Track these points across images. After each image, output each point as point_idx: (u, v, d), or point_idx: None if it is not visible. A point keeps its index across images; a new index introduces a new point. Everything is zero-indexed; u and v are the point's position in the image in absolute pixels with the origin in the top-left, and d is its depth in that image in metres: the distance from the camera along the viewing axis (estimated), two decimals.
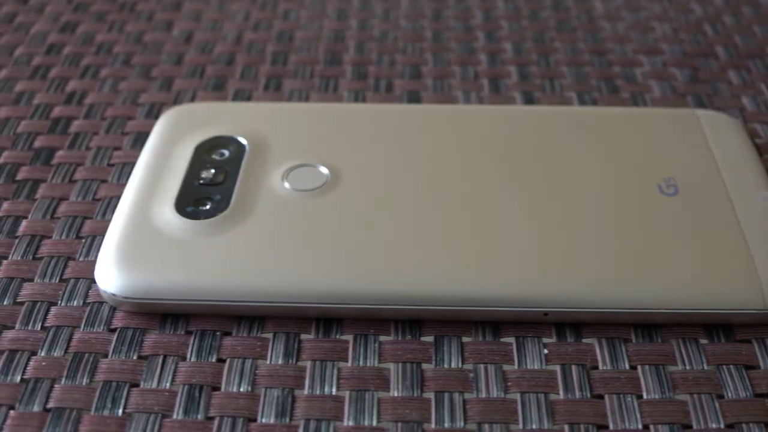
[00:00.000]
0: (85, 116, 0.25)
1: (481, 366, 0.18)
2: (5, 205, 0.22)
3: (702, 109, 0.23)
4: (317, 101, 0.25)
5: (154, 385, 0.17)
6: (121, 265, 0.18)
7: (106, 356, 0.18)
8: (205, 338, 0.18)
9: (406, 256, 0.18)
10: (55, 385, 0.17)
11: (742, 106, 0.25)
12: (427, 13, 0.29)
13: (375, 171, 0.21)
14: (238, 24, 0.29)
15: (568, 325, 0.18)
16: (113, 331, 0.18)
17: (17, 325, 0.19)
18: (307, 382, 0.17)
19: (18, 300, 0.19)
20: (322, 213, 0.20)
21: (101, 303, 0.19)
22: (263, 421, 0.17)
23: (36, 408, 0.17)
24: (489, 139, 0.22)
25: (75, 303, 0.19)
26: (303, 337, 0.18)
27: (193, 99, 0.25)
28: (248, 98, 0.25)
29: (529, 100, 0.25)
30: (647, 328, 0.18)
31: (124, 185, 0.22)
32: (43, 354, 0.18)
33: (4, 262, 0.20)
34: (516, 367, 0.18)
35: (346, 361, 0.18)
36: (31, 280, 0.20)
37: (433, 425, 0.17)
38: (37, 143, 0.24)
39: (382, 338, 0.18)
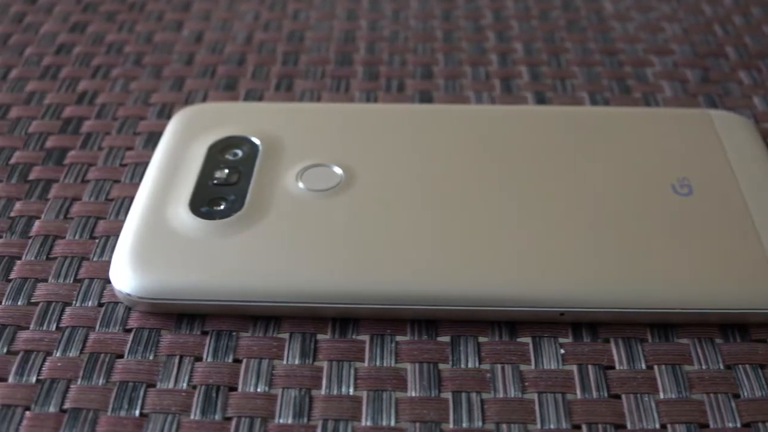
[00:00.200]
0: (97, 116, 0.25)
1: (498, 366, 0.18)
2: (18, 205, 0.22)
3: (714, 109, 0.23)
4: (329, 101, 0.25)
5: (171, 386, 0.17)
6: (136, 265, 0.18)
7: (121, 356, 0.18)
8: (221, 338, 0.18)
9: (422, 256, 0.18)
10: (71, 386, 0.17)
11: (753, 106, 0.25)
12: (436, 14, 0.29)
13: (389, 171, 0.21)
14: (248, 24, 0.29)
15: (584, 325, 0.18)
16: (129, 331, 0.18)
17: (32, 326, 0.19)
18: (324, 382, 0.17)
19: (32, 300, 0.19)
20: (337, 213, 0.20)
21: (116, 303, 0.19)
22: (281, 421, 0.17)
23: (52, 409, 0.17)
24: (502, 139, 0.22)
25: (90, 303, 0.19)
26: (319, 337, 0.18)
27: (204, 99, 0.25)
28: (260, 98, 0.25)
29: (541, 100, 0.25)
30: (663, 328, 0.18)
31: (137, 185, 0.22)
32: (58, 354, 0.18)
33: (18, 262, 0.20)
34: (533, 367, 0.18)
35: (363, 361, 0.18)
36: (45, 280, 0.20)
37: (451, 425, 0.17)
38: (49, 143, 0.24)
39: (398, 338, 0.18)
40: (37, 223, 0.21)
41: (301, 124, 0.22)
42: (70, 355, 0.18)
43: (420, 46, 0.28)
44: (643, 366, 0.18)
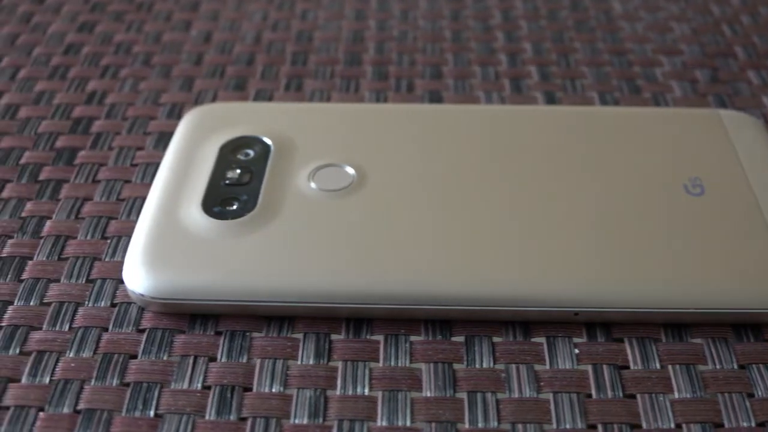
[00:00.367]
0: (107, 116, 0.25)
1: (513, 366, 0.18)
2: (29, 205, 0.22)
3: (724, 109, 0.23)
4: (338, 101, 0.25)
5: (185, 386, 0.17)
6: (149, 265, 0.18)
7: (135, 357, 0.18)
8: (235, 339, 0.18)
9: (436, 255, 0.18)
10: (85, 387, 0.17)
11: (762, 106, 0.25)
12: (445, 14, 0.29)
13: (401, 171, 0.21)
14: (256, 24, 0.29)
15: (598, 325, 0.18)
16: (142, 331, 0.18)
17: (44, 326, 0.19)
18: (339, 383, 0.17)
19: (45, 301, 0.19)
20: (350, 213, 0.19)
21: (129, 303, 0.19)
22: (296, 421, 0.17)
23: (66, 409, 0.17)
24: (514, 139, 0.22)
25: (102, 304, 0.19)
26: (333, 337, 0.18)
27: (214, 99, 0.25)
28: (269, 98, 0.25)
29: (551, 100, 0.25)
30: (676, 328, 0.18)
31: (148, 185, 0.22)
32: (71, 355, 0.18)
33: (30, 262, 0.20)
34: (547, 367, 0.18)
35: (377, 361, 0.18)
36: (58, 280, 0.20)
37: (466, 425, 0.17)
38: (59, 143, 0.24)
39: (412, 338, 0.18)
40: (48, 223, 0.21)
41: (312, 124, 0.22)
42: (84, 355, 0.18)
43: (429, 46, 0.28)
44: (658, 366, 0.18)
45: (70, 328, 0.19)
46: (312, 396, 0.17)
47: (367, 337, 0.18)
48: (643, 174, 0.21)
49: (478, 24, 0.29)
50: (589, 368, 0.18)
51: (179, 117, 0.24)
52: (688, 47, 0.28)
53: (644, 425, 0.17)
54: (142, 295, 0.18)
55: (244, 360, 0.18)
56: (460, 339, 0.18)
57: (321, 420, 0.17)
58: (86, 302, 0.19)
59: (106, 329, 0.18)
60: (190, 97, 0.25)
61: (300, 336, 0.18)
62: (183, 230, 0.19)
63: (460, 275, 0.18)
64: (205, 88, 0.26)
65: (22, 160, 0.23)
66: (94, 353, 0.18)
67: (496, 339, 0.18)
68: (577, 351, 0.18)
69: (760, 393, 0.17)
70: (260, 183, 0.20)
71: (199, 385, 0.17)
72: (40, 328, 0.19)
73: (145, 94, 0.26)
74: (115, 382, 0.17)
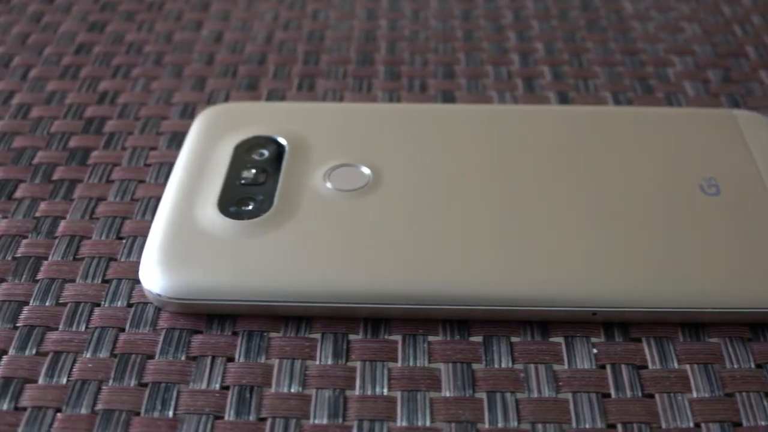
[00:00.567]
0: (119, 116, 0.25)
1: (532, 366, 0.18)
2: (42, 205, 0.22)
3: (738, 109, 0.23)
4: (351, 101, 0.25)
5: (204, 386, 0.17)
6: (166, 265, 0.18)
7: (152, 357, 0.18)
8: (253, 339, 0.18)
9: (454, 255, 0.18)
10: (103, 387, 0.17)
11: None
12: (456, 13, 0.29)
13: (416, 171, 0.21)
14: (267, 24, 0.29)
15: (615, 325, 0.18)
16: (159, 332, 0.18)
17: (61, 326, 0.18)
18: (357, 383, 0.17)
19: (60, 301, 0.19)
20: (367, 213, 0.19)
21: (146, 304, 0.19)
22: (316, 422, 0.17)
23: (84, 410, 0.17)
24: (529, 139, 0.22)
25: (119, 304, 0.19)
26: (351, 337, 0.18)
27: (226, 99, 0.25)
28: (282, 98, 0.25)
29: (564, 99, 0.25)
30: (694, 327, 0.18)
31: (162, 185, 0.22)
32: (88, 355, 0.18)
33: (45, 262, 0.20)
34: (566, 366, 0.18)
35: (396, 361, 0.18)
36: (73, 280, 0.19)
37: (486, 425, 0.17)
38: (72, 143, 0.24)
39: (430, 338, 0.18)
40: (62, 223, 0.21)
41: (326, 123, 0.22)
42: (101, 356, 0.18)
43: (441, 45, 0.28)
44: (676, 365, 0.18)
45: (86, 328, 0.18)
46: (331, 396, 0.17)
47: (385, 337, 0.18)
48: (659, 174, 0.21)
49: (490, 24, 0.29)
50: (608, 368, 0.18)
51: (192, 117, 0.24)
52: (700, 47, 0.28)
53: (663, 425, 0.17)
54: (159, 295, 0.18)
55: (262, 360, 0.18)
56: (478, 339, 0.18)
57: (341, 420, 0.17)
58: (102, 302, 0.19)
59: (122, 329, 0.18)
60: (202, 96, 0.25)
61: (318, 336, 0.18)
62: (199, 230, 0.19)
63: (478, 275, 0.18)
64: (217, 87, 0.26)
65: (35, 160, 0.23)
66: (111, 354, 0.18)
67: (514, 339, 0.18)
68: (595, 351, 0.18)
69: None
70: (276, 183, 0.20)
71: (218, 386, 0.17)
72: (57, 329, 0.18)
73: (157, 93, 0.26)
74: (132, 382, 0.17)
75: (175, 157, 0.23)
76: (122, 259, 0.20)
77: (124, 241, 0.20)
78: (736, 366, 0.18)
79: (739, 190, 0.20)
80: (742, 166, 0.21)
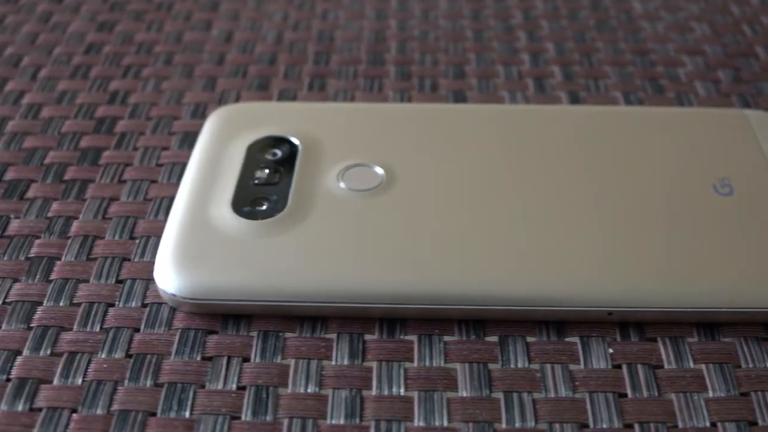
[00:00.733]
0: (130, 116, 0.24)
1: (548, 366, 0.18)
2: (55, 205, 0.22)
3: (750, 109, 0.23)
4: (363, 101, 0.25)
5: (220, 387, 0.17)
6: (181, 265, 0.18)
7: (168, 358, 0.18)
8: (269, 339, 0.18)
9: (470, 255, 0.18)
10: (118, 388, 0.17)
11: None
12: (465, 13, 0.29)
13: (429, 170, 0.21)
14: (277, 24, 0.29)
15: (631, 325, 0.18)
16: (174, 332, 0.18)
17: (75, 327, 0.18)
18: (374, 383, 0.17)
19: (74, 301, 0.19)
20: (381, 213, 0.19)
21: (160, 304, 0.19)
22: (333, 422, 0.17)
23: (99, 411, 0.17)
24: (542, 139, 0.22)
25: (133, 304, 0.19)
26: (367, 337, 0.18)
27: (237, 99, 0.25)
28: (293, 98, 0.25)
29: (575, 99, 0.25)
30: (708, 327, 0.18)
31: (174, 185, 0.22)
32: (103, 356, 0.18)
33: (58, 262, 0.20)
34: (582, 366, 0.18)
35: (412, 361, 0.18)
36: (87, 281, 0.19)
37: (504, 425, 0.16)
38: (83, 143, 0.24)
39: (446, 338, 0.18)
40: (75, 223, 0.21)
41: (338, 123, 0.22)
42: (116, 356, 0.18)
43: (451, 45, 0.28)
44: (691, 365, 0.18)
45: (101, 328, 0.18)
46: (348, 396, 0.17)
47: (401, 337, 0.18)
48: (672, 174, 0.21)
49: (499, 24, 0.29)
50: (624, 368, 0.18)
51: (203, 117, 0.24)
52: (710, 47, 0.28)
53: (680, 424, 0.17)
54: (174, 295, 0.18)
55: (278, 360, 0.18)
56: (494, 339, 0.18)
57: (358, 420, 0.17)
58: (117, 303, 0.19)
59: (137, 330, 0.18)
60: (213, 96, 0.25)
61: (333, 336, 0.18)
62: (214, 230, 0.19)
63: (493, 275, 0.18)
64: (228, 87, 0.26)
65: (47, 160, 0.23)
66: (127, 354, 0.18)
67: (530, 339, 0.18)
68: (611, 351, 0.18)
69: None
70: (289, 183, 0.20)
71: (234, 386, 0.17)
72: (71, 329, 0.18)
73: (168, 93, 0.25)
74: (148, 383, 0.17)
75: (187, 157, 0.23)
76: (136, 259, 0.20)
77: (137, 241, 0.20)
78: (751, 365, 0.18)
79: (753, 190, 0.20)
80: (755, 166, 0.21)
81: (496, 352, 0.18)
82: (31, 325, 0.19)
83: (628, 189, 0.20)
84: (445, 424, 0.17)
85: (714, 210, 0.20)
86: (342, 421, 0.17)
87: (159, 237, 0.20)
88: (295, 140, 0.21)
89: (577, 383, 0.17)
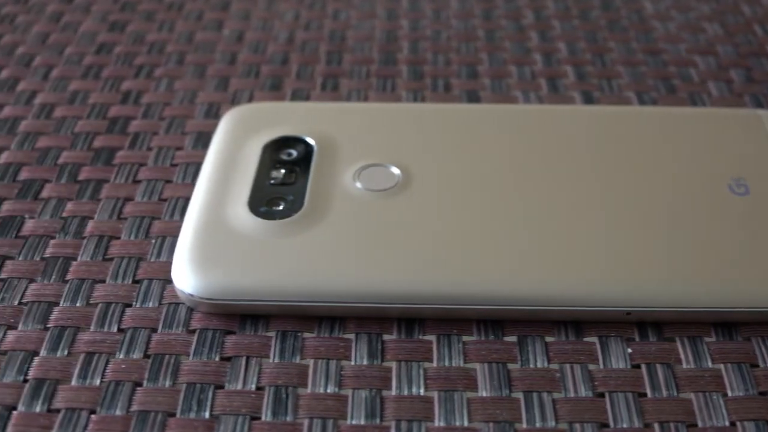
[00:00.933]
0: (143, 116, 0.24)
1: (567, 366, 0.18)
2: (69, 205, 0.21)
3: (763, 109, 0.23)
4: (376, 101, 0.25)
5: (239, 387, 0.17)
6: (198, 265, 0.18)
7: (187, 358, 0.18)
8: (287, 339, 0.18)
9: (487, 255, 0.18)
10: (137, 388, 0.17)
11: None
12: (477, 13, 0.29)
13: (445, 170, 0.21)
14: (288, 23, 0.29)
15: (649, 324, 0.18)
16: (192, 332, 0.18)
17: (92, 327, 0.18)
18: (393, 383, 0.17)
19: (91, 301, 0.19)
20: (398, 213, 0.19)
21: (177, 304, 0.19)
22: (353, 422, 0.17)
23: (119, 411, 0.17)
24: (557, 139, 0.22)
25: (150, 304, 0.19)
26: (385, 337, 0.18)
27: (250, 99, 0.25)
28: (306, 98, 0.25)
29: (589, 99, 0.25)
30: (726, 327, 0.18)
31: (189, 185, 0.22)
32: (121, 356, 0.18)
33: (74, 263, 0.20)
34: (601, 366, 0.18)
35: (431, 361, 0.18)
36: (103, 281, 0.19)
37: (524, 425, 0.16)
38: (97, 143, 0.23)
39: (464, 338, 0.18)
40: (90, 223, 0.21)
41: (353, 123, 0.22)
42: (134, 356, 0.18)
43: (463, 45, 0.28)
44: (709, 364, 0.18)
45: (118, 329, 0.18)
46: (368, 396, 0.17)
47: (419, 337, 0.18)
48: (687, 174, 0.21)
49: (511, 24, 0.29)
50: (643, 368, 0.18)
51: (216, 117, 0.24)
52: (722, 47, 0.28)
53: (700, 424, 0.17)
54: (192, 295, 0.18)
55: (297, 360, 0.18)
56: (513, 339, 0.18)
57: (378, 421, 0.17)
58: (134, 303, 0.19)
59: (155, 330, 0.18)
60: (226, 96, 0.25)
61: (352, 336, 0.18)
62: (231, 230, 0.19)
63: (511, 275, 0.18)
64: (240, 87, 0.26)
65: (60, 160, 0.23)
66: (145, 354, 0.18)
67: (548, 339, 0.18)
68: (629, 350, 0.18)
69: None
70: (305, 183, 0.20)
71: (253, 386, 0.17)
72: (88, 329, 0.18)
73: (181, 93, 0.25)
74: (167, 383, 0.17)
75: (201, 157, 0.23)
76: (152, 260, 0.20)
77: (153, 241, 0.20)
78: None
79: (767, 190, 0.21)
80: None
81: (515, 352, 0.18)
82: (48, 325, 0.19)
83: (644, 189, 0.20)
84: (466, 424, 0.17)
85: (730, 210, 0.20)
86: (362, 422, 0.17)
87: (175, 237, 0.20)
88: (310, 140, 0.21)
89: (596, 383, 0.17)
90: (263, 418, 0.17)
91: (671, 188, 0.20)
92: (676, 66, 0.27)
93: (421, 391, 0.17)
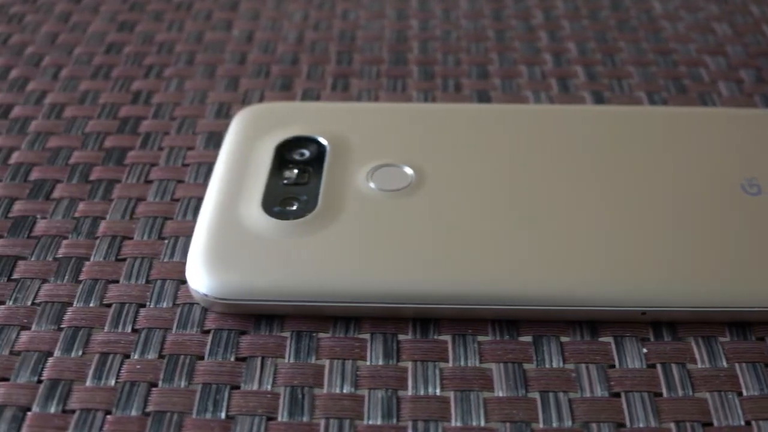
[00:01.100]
0: (154, 116, 0.24)
1: (583, 365, 0.18)
2: (81, 205, 0.21)
3: None
4: (387, 101, 0.25)
5: (255, 387, 0.17)
6: (212, 265, 0.18)
7: (202, 358, 0.18)
8: (302, 339, 0.18)
9: (502, 255, 0.18)
10: (153, 389, 0.17)
11: None
12: (486, 13, 0.29)
13: (458, 170, 0.21)
14: (297, 24, 0.29)
15: (664, 324, 0.18)
16: (207, 332, 0.18)
17: (106, 327, 0.18)
18: (410, 383, 0.17)
19: (105, 302, 0.19)
20: (412, 213, 0.19)
21: (192, 304, 0.19)
22: (370, 422, 0.16)
23: (134, 412, 0.17)
24: (570, 139, 0.22)
25: (164, 305, 0.19)
26: (401, 337, 0.18)
27: (261, 99, 0.25)
28: (317, 98, 0.25)
29: (599, 99, 0.25)
30: (740, 327, 0.18)
31: (201, 185, 0.22)
32: (136, 357, 0.18)
33: (87, 263, 0.20)
34: (617, 366, 0.18)
35: (447, 361, 0.18)
36: (117, 281, 0.19)
37: (541, 425, 0.16)
38: (108, 143, 0.23)
39: (480, 338, 0.18)
40: (102, 223, 0.21)
41: (365, 123, 0.22)
42: (149, 357, 0.18)
43: (473, 45, 0.28)
44: (724, 364, 0.18)
45: (132, 329, 0.18)
46: (384, 396, 0.17)
47: (435, 337, 0.18)
48: (701, 174, 0.21)
49: (521, 24, 0.29)
50: (658, 367, 0.18)
51: (227, 117, 0.24)
52: (731, 47, 0.28)
53: (715, 423, 0.17)
54: (206, 295, 0.18)
55: (313, 361, 0.18)
56: (528, 339, 0.18)
57: (395, 421, 0.17)
58: (148, 303, 0.19)
59: (169, 330, 0.18)
60: (236, 96, 0.25)
61: (367, 336, 0.18)
62: (244, 230, 0.19)
63: (526, 275, 0.18)
64: (251, 87, 0.26)
65: (72, 160, 0.23)
66: (160, 355, 0.18)
67: (563, 339, 0.18)
68: (645, 350, 0.18)
69: None
70: (319, 183, 0.20)
71: (269, 387, 0.17)
72: (102, 330, 0.18)
73: (191, 93, 0.25)
74: (183, 383, 0.17)
75: (212, 157, 0.23)
76: (165, 260, 0.20)
77: (166, 241, 0.20)
78: None
79: None
80: None
81: (531, 352, 0.18)
82: (62, 326, 0.18)
83: (657, 190, 0.20)
84: (482, 424, 0.17)
85: (744, 210, 0.20)
86: (379, 422, 0.17)
87: (187, 237, 0.20)
88: (323, 140, 0.21)
89: (612, 383, 0.17)
90: (279, 419, 0.17)
91: (684, 189, 0.20)
92: (687, 66, 0.27)
93: (437, 391, 0.17)
